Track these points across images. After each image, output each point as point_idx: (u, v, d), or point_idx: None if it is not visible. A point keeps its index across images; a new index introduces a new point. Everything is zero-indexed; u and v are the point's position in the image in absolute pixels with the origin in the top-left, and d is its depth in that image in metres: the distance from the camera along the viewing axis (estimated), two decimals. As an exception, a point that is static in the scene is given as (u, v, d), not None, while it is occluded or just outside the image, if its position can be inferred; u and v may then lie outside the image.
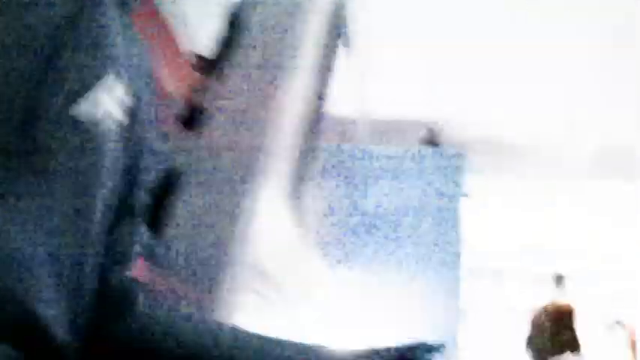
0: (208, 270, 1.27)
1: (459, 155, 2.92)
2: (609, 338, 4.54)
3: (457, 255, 2.66)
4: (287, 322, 1.60)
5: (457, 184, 2.81)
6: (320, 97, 1.69)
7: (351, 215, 2.67)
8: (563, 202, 4.48)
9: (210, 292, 1.26)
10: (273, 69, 1.45)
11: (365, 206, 2.75)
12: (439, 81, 3.12)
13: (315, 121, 1.61)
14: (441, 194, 2.74)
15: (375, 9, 2.57)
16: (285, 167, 1.46)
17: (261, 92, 1.44)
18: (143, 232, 0.55)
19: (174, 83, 1.52)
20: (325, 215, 2.39)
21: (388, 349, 0.46)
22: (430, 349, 0.47)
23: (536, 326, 4.33)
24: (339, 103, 2.47)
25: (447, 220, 2.70)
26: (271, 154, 1.40)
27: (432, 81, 3.13)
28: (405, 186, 2.79)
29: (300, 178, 1.49)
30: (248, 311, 1.36)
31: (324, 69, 1.76)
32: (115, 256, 0.42)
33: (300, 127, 1.55)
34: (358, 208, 2.74)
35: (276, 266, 1.49)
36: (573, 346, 4.03)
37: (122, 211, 0.42)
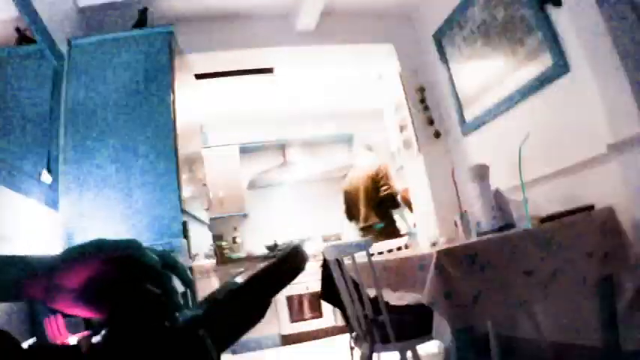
0: None
1: (170, 33, 2.87)
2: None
3: (171, 137, 2.62)
4: None
5: (168, 63, 2.78)
6: None
7: (58, 113, 2.53)
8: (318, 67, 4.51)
9: None
10: None
11: (75, 100, 2.61)
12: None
13: None
14: (154, 76, 2.71)
15: None
16: None
17: None
18: None
19: None
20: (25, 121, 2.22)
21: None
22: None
23: (355, 194, 4.38)
24: None
25: (161, 101, 2.67)
26: None
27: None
28: (118, 72, 2.70)
29: None
30: None
31: None
32: None
33: None
34: (68, 104, 2.60)
35: None
36: (395, 203, 4.23)
37: None
